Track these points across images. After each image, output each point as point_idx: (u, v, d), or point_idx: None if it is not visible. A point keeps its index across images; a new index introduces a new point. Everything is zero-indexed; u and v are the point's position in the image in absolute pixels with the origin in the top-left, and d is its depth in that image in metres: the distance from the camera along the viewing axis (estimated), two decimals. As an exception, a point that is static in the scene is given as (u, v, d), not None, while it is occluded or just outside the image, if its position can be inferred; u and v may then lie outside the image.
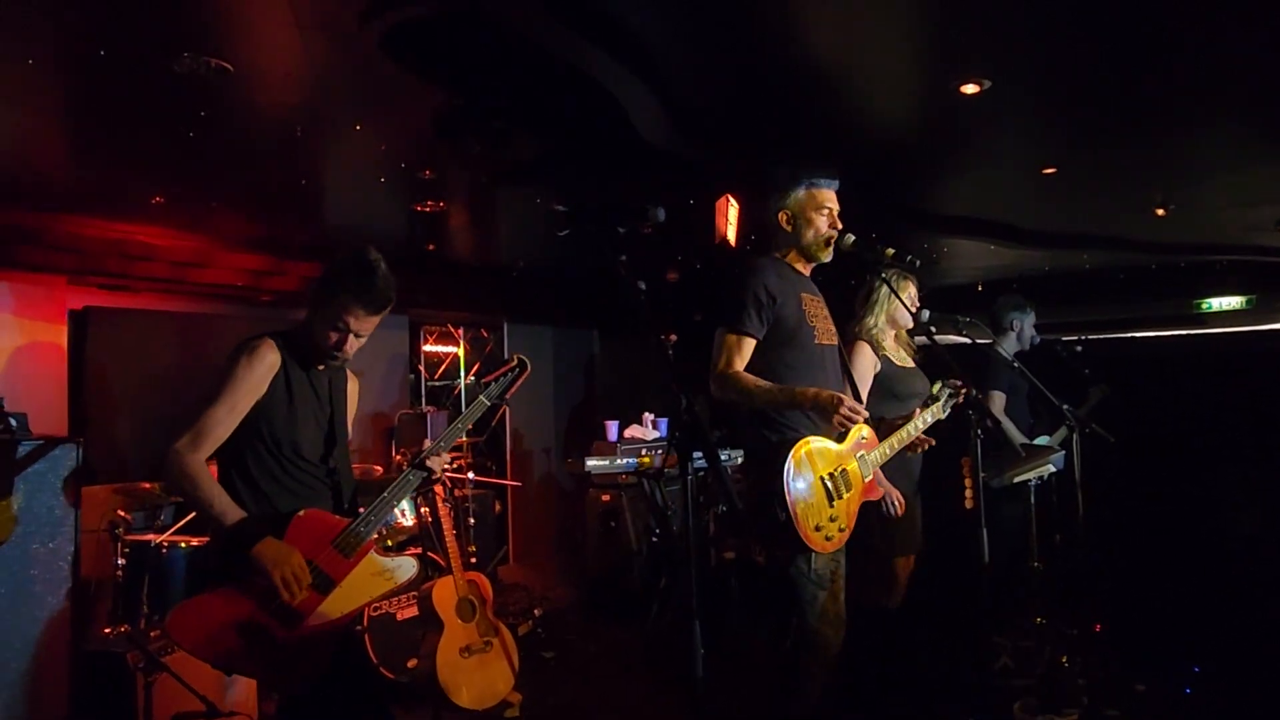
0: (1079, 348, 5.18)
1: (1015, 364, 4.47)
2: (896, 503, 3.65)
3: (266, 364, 2.59)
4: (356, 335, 2.69)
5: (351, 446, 2.97)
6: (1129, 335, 7.52)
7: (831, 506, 2.99)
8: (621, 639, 5.66)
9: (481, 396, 2.95)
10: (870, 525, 3.35)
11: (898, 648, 4.06)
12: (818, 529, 2.94)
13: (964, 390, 3.44)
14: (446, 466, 5.54)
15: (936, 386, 3.71)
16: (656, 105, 3.38)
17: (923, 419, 3.54)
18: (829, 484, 3.00)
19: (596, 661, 5.32)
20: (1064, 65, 3.00)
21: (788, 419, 3.08)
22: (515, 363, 3.04)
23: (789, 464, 2.90)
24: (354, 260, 2.65)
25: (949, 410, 3.66)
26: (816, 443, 3.03)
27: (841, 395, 3.03)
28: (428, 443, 2.95)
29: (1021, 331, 5.03)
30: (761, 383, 3.05)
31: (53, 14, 2.46)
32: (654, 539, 6.26)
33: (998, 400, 4.69)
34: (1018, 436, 4.72)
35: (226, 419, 2.53)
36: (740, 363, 3.08)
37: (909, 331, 4.12)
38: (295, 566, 2.44)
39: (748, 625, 5.31)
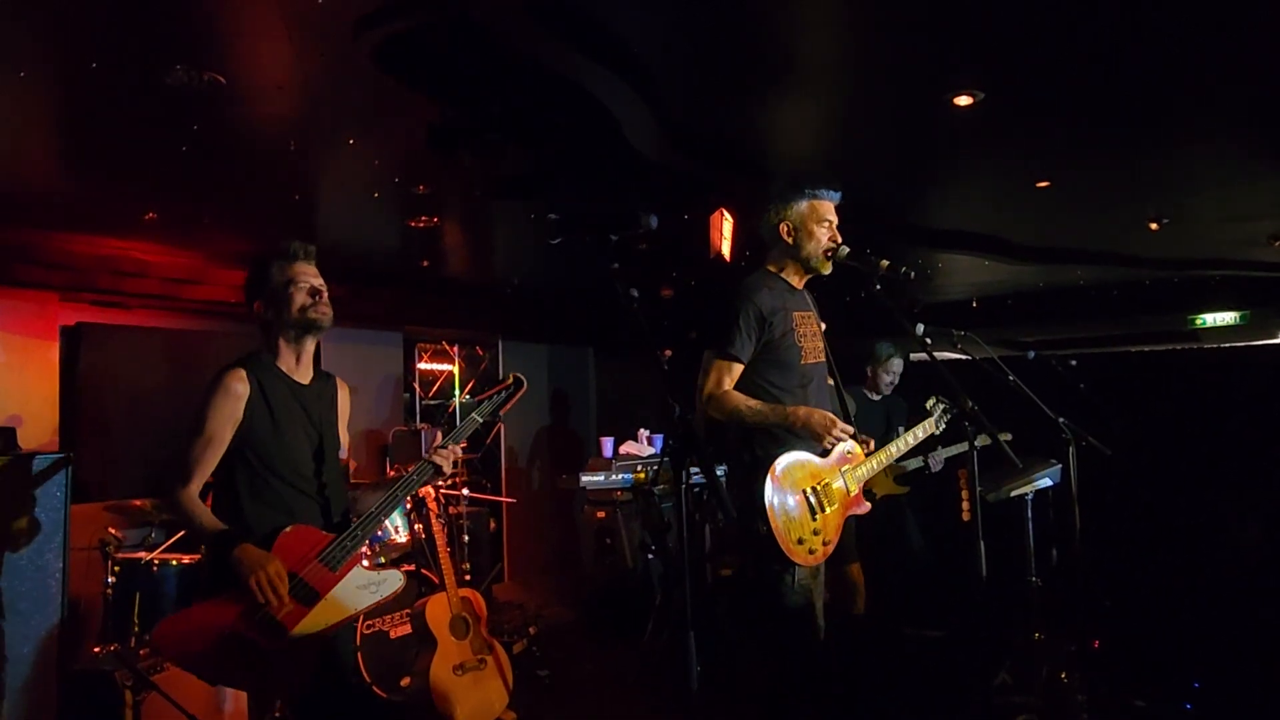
0: (1074, 363, 5.18)
1: (1014, 381, 4.43)
2: None
3: (234, 395, 2.59)
4: (315, 288, 2.72)
5: (347, 454, 2.96)
6: (1123, 350, 7.52)
7: (814, 520, 2.98)
8: (617, 657, 5.61)
9: (474, 414, 2.91)
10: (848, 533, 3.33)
11: (897, 663, 4.03)
12: (800, 542, 2.93)
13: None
14: (440, 484, 5.53)
15: (930, 402, 3.69)
16: (650, 118, 3.37)
17: (913, 434, 3.53)
18: (811, 498, 2.99)
19: (592, 680, 5.27)
20: (1058, 77, 3.00)
21: (770, 434, 3.07)
22: (510, 381, 2.99)
23: (769, 478, 2.90)
24: (255, 258, 2.77)
25: (943, 426, 3.65)
26: (798, 457, 3.02)
27: (833, 417, 3.03)
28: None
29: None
30: (752, 402, 3.05)
31: (44, 27, 2.45)
32: (650, 555, 6.22)
33: None
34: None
35: (206, 451, 2.57)
36: (729, 383, 3.09)
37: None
38: (272, 572, 2.43)
39: (742, 640, 5.27)
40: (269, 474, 2.62)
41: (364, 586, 2.65)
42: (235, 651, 2.41)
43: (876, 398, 5.51)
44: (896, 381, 5.46)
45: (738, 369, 3.10)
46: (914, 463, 5.14)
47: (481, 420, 2.93)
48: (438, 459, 2.78)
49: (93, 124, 3.23)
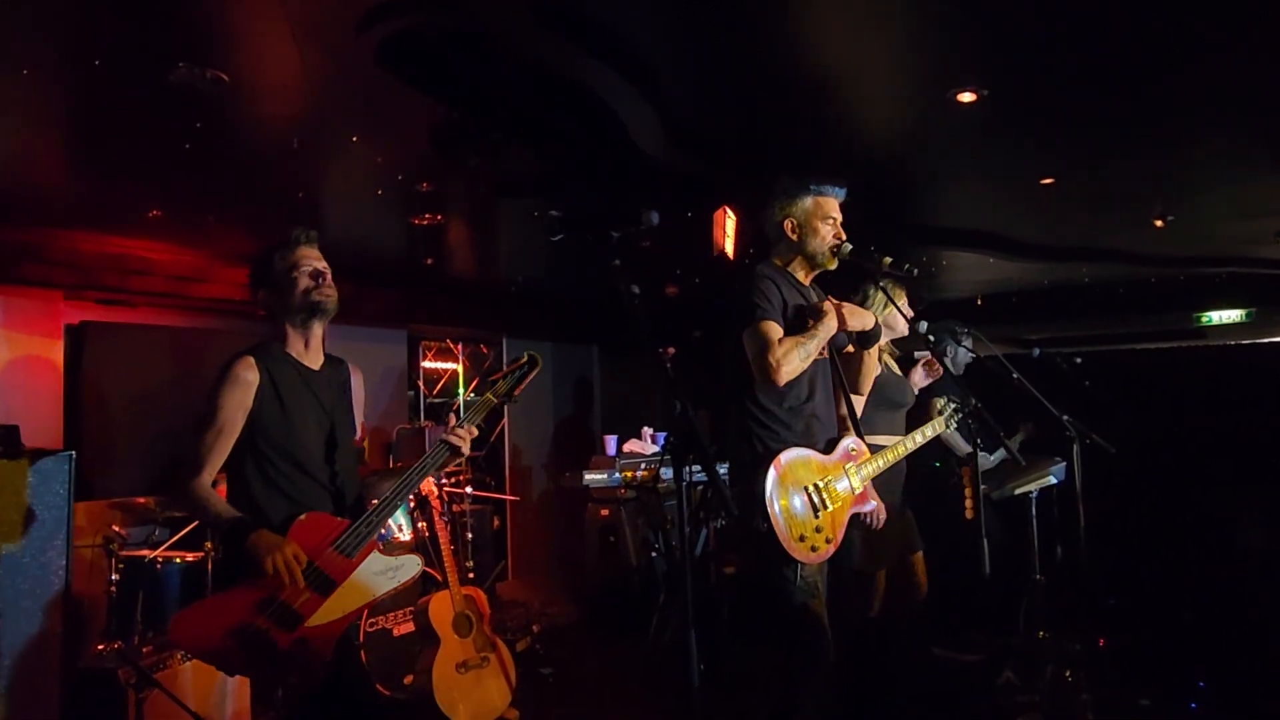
0: (1078, 360, 5.18)
1: (1015, 376, 4.44)
2: (879, 517, 3.52)
3: (243, 383, 2.59)
4: (317, 270, 2.72)
5: (361, 435, 2.97)
6: (1129, 348, 7.50)
7: (816, 518, 2.95)
8: (620, 655, 5.62)
9: (489, 393, 2.86)
10: (852, 537, 3.28)
11: (899, 662, 4.02)
12: (802, 539, 2.90)
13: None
14: (444, 482, 5.53)
15: (941, 402, 3.69)
16: (653, 117, 3.37)
17: (921, 433, 3.51)
18: (813, 495, 2.97)
19: (595, 678, 5.27)
20: (1063, 74, 2.99)
21: (772, 430, 3.05)
22: (525, 360, 2.94)
23: (771, 474, 2.88)
24: (261, 250, 2.79)
25: (952, 426, 3.64)
26: (801, 453, 3.00)
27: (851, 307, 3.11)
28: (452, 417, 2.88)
29: (955, 357, 5.35)
30: (795, 336, 3.00)
31: (47, 25, 2.45)
32: (653, 554, 6.22)
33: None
34: (962, 446, 5.05)
35: (217, 442, 2.57)
36: (775, 338, 2.98)
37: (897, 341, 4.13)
38: (289, 554, 2.43)
39: (746, 639, 5.27)
40: (281, 461, 2.62)
41: (381, 572, 2.64)
42: (251, 641, 2.40)
43: None
44: (968, 361, 5.56)
45: (774, 326, 3.01)
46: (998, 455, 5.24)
47: (496, 400, 2.88)
48: (453, 439, 2.76)
49: (96, 122, 3.22)
